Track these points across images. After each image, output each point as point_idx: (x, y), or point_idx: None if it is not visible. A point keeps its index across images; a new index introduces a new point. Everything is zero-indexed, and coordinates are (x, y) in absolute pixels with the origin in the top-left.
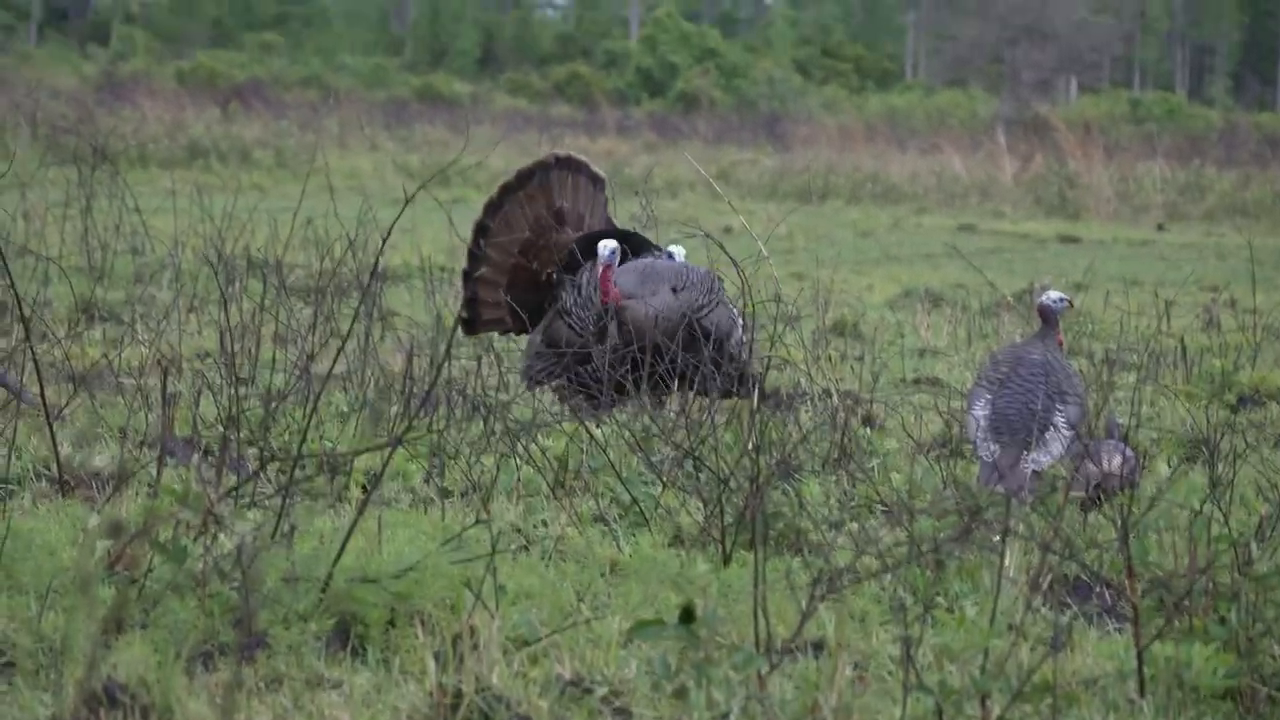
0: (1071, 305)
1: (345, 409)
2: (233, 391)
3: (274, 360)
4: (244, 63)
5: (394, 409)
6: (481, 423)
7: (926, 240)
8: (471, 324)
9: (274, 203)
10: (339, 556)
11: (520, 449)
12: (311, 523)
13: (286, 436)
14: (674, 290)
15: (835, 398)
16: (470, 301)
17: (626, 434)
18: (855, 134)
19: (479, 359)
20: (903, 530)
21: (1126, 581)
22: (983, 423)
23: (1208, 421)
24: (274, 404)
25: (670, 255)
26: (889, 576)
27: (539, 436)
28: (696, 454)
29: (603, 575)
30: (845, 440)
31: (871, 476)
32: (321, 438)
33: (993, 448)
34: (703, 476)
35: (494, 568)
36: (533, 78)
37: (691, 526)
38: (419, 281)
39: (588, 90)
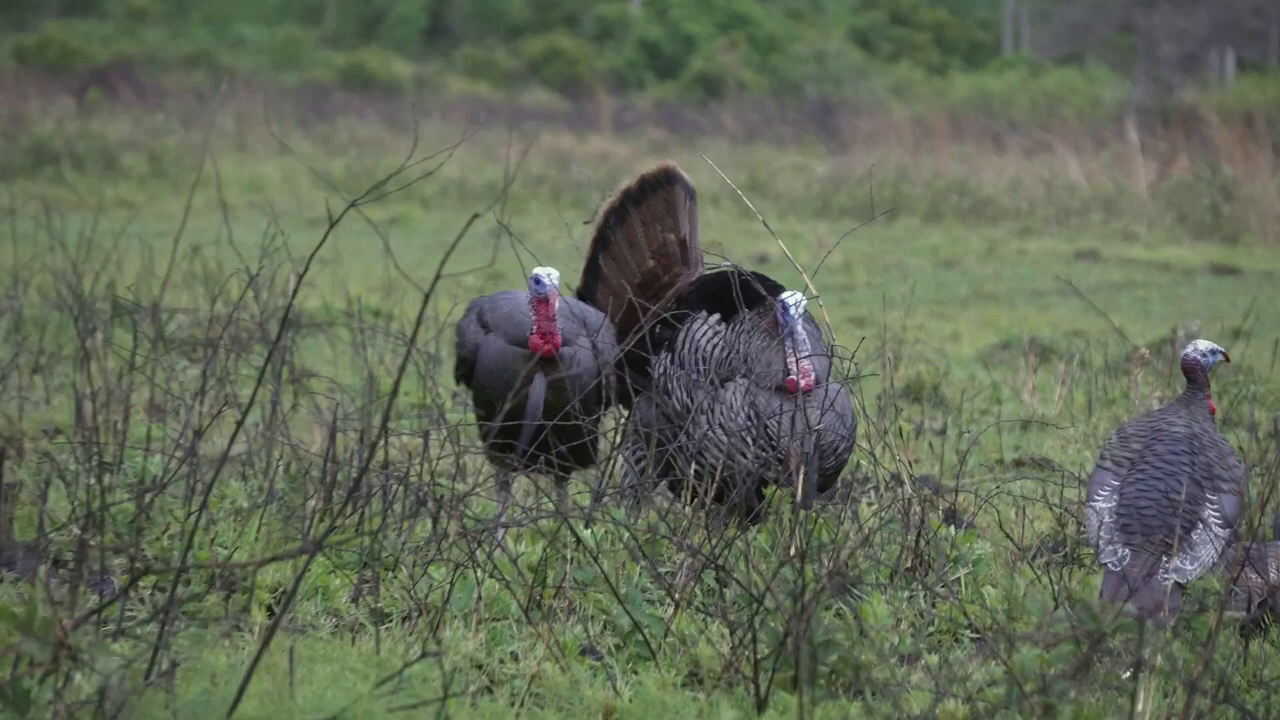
0: (1227, 359)
1: (245, 504)
2: (93, 481)
3: (149, 438)
4: (108, 36)
5: (311, 503)
6: (430, 522)
7: (1033, 272)
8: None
9: (149, 224)
10: (237, 702)
11: (482, 557)
12: (200, 657)
13: (165, 541)
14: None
15: (908, 485)
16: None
17: (625, 536)
18: (936, 128)
19: (425, 434)
20: (999, 664)
21: None
22: (1108, 519)
23: None
24: (149, 497)
25: (785, 308)
26: None
27: (507, 540)
28: (720, 563)
29: None
30: (921, 543)
31: (957, 592)
32: (213, 542)
33: (1121, 552)
34: (729, 593)
35: (447, 717)
36: (499, 54)
37: (713, 660)
38: (344, 331)
39: (573, 71)
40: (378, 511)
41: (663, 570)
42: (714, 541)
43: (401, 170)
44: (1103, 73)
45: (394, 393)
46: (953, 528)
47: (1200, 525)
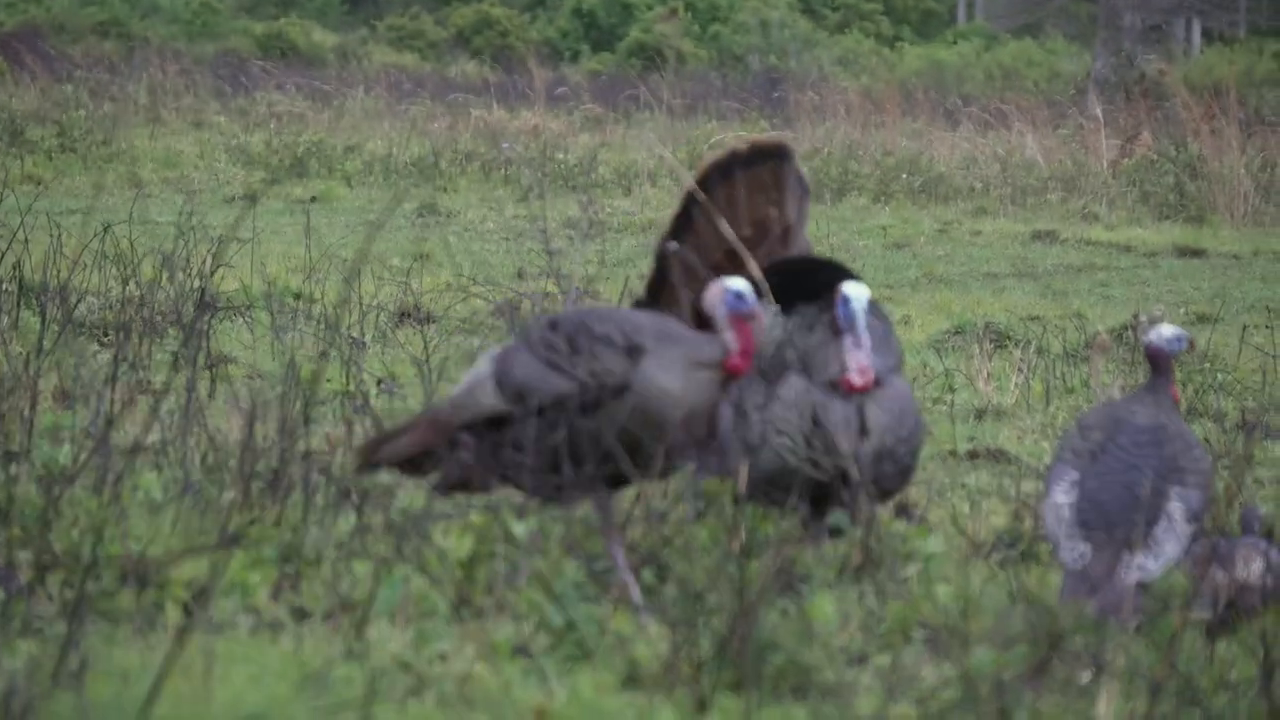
0: (1193, 346)
1: (159, 496)
2: None
3: (56, 427)
4: (12, 3)
5: (228, 495)
6: (354, 514)
7: (987, 254)
8: (654, 295)
9: (57, 202)
10: (150, 704)
11: (409, 552)
12: (111, 657)
13: (75, 535)
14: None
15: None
16: (658, 276)
17: (559, 530)
18: (886, 103)
19: (349, 424)
20: (952, 666)
21: None
22: (1067, 514)
23: None
24: (57, 489)
25: (846, 301)
26: None
27: (436, 534)
28: (660, 559)
29: None
30: (871, 539)
31: (908, 590)
32: (125, 536)
33: (1081, 549)
34: (669, 591)
35: (372, 719)
36: (425, 24)
37: (652, 661)
38: (264, 314)
39: (504, 42)
40: (299, 504)
41: (598, 566)
42: (652, 536)
43: (323, 146)
44: (1061, 44)
45: (316, 380)
46: (904, 523)
47: (1164, 520)
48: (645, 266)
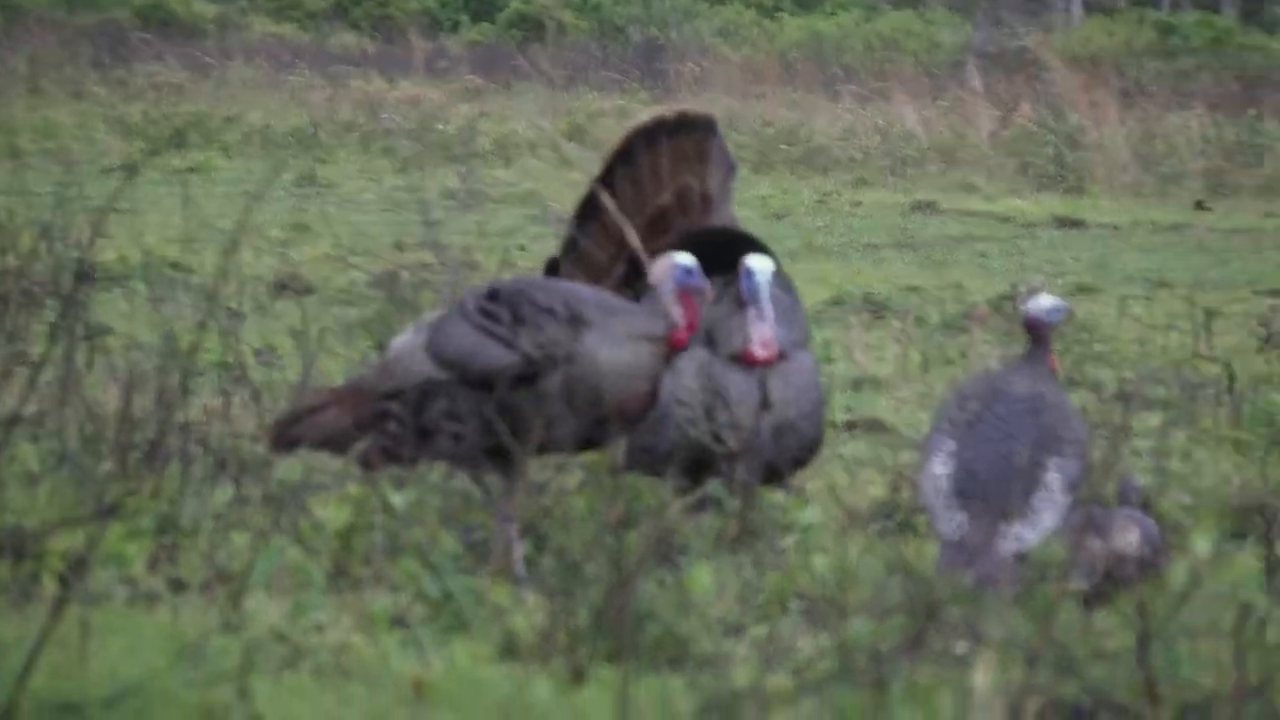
0: (1071, 316)
1: (36, 467)
2: None
3: None
4: None
5: (106, 467)
6: (231, 486)
7: (867, 225)
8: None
9: None
10: (25, 675)
11: (286, 523)
12: None
13: None
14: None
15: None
16: (570, 244)
17: (437, 501)
18: (766, 72)
19: (226, 394)
20: (829, 637)
21: (1148, 708)
22: (944, 484)
23: (1264, 481)
24: None
25: (749, 273)
26: (809, 702)
27: (313, 505)
28: (538, 529)
29: (403, 701)
30: (748, 510)
31: (785, 561)
32: (1, 508)
33: (958, 519)
34: (546, 561)
35: (247, 691)
36: None
37: (529, 632)
38: (142, 285)
39: (383, 12)
40: (176, 475)
41: (475, 537)
42: (530, 507)
43: (202, 116)
44: (941, 15)
45: (194, 351)
46: (781, 493)
47: (1042, 490)
48: (525, 237)
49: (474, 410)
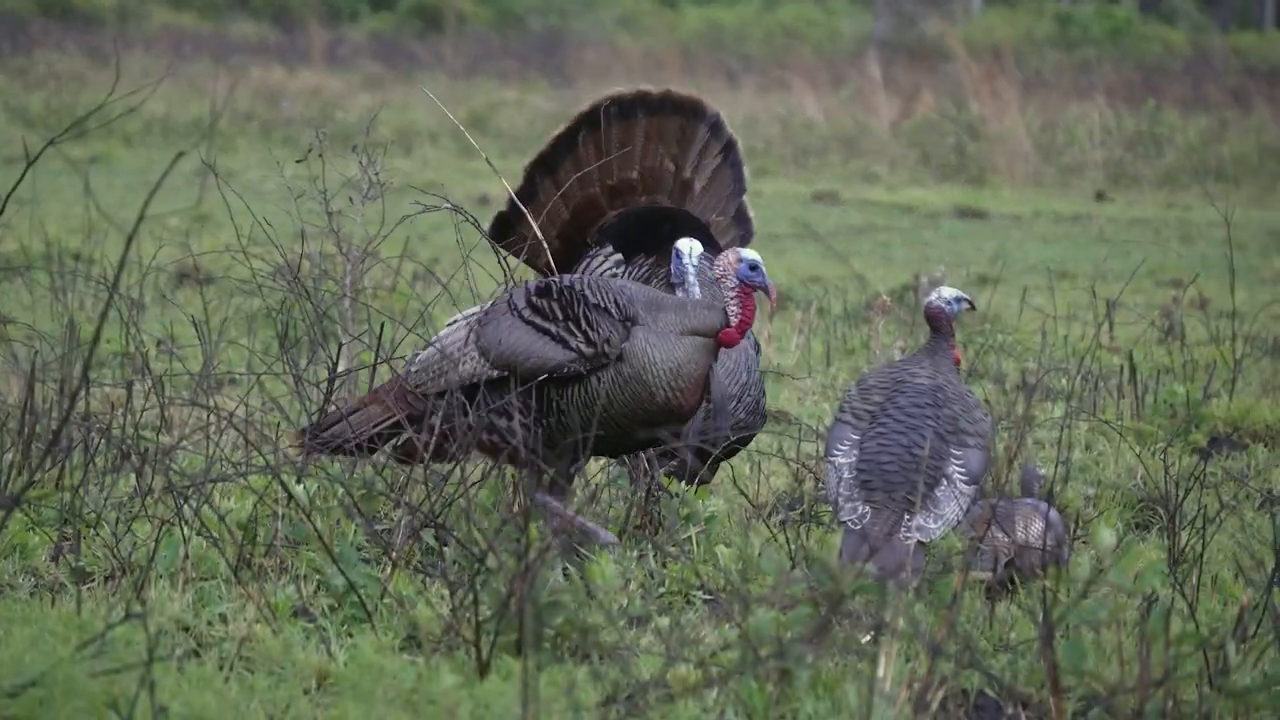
0: (973, 307)
1: None
2: None
3: None
4: None
5: (8, 457)
6: (134, 476)
7: (768, 215)
8: (504, 228)
9: None
10: None
11: (189, 513)
12: None
13: None
14: None
15: None
16: (522, 197)
17: (340, 491)
18: (666, 62)
19: (129, 385)
20: (733, 627)
21: (1051, 699)
22: (847, 475)
23: (1166, 472)
24: None
25: (678, 256)
26: (714, 692)
27: (215, 495)
28: (440, 520)
29: (307, 692)
30: (650, 500)
31: (689, 552)
32: None
33: (862, 510)
34: (449, 552)
35: (151, 681)
36: None
37: (433, 623)
38: (43, 275)
39: (283, 2)
40: (79, 465)
41: (379, 528)
42: (433, 498)
43: (103, 106)
44: (842, 5)
45: (95, 341)
46: (684, 484)
47: (944, 481)
48: (426, 226)
49: (523, 407)
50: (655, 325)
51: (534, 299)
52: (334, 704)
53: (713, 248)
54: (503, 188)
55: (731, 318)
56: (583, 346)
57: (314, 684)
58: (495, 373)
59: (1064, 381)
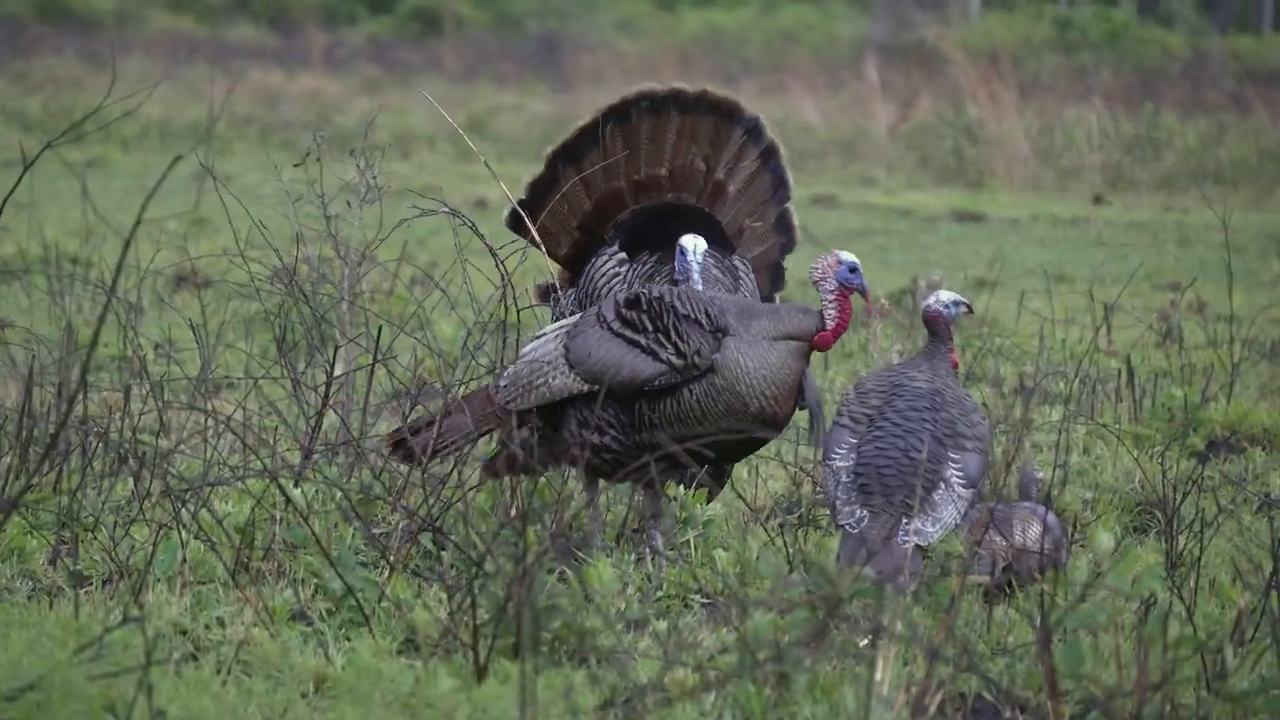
0: (970, 310)
1: None
2: None
3: None
4: None
5: (5, 460)
6: (131, 480)
7: None
8: (525, 215)
9: None
10: None
11: (187, 517)
12: None
13: None
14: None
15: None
16: (541, 185)
17: (337, 495)
18: (664, 66)
19: (127, 388)
20: (731, 631)
21: (1049, 702)
22: (845, 478)
23: (1164, 476)
24: None
25: (683, 252)
26: (712, 696)
27: (213, 499)
28: (438, 524)
29: (304, 696)
30: (650, 504)
31: (686, 555)
32: None
33: (859, 514)
34: (447, 556)
35: (149, 684)
36: None
37: (431, 627)
38: (41, 279)
39: (282, 4)
40: (77, 469)
41: (377, 532)
42: (431, 502)
43: (100, 109)
44: (840, 8)
45: (93, 344)
46: (682, 487)
47: (942, 485)
48: (424, 231)
49: (613, 421)
50: (747, 333)
51: (623, 311)
52: (332, 708)
53: (722, 246)
54: (501, 191)
55: (829, 321)
56: (673, 358)
57: (312, 688)
58: (586, 387)
59: (1062, 385)
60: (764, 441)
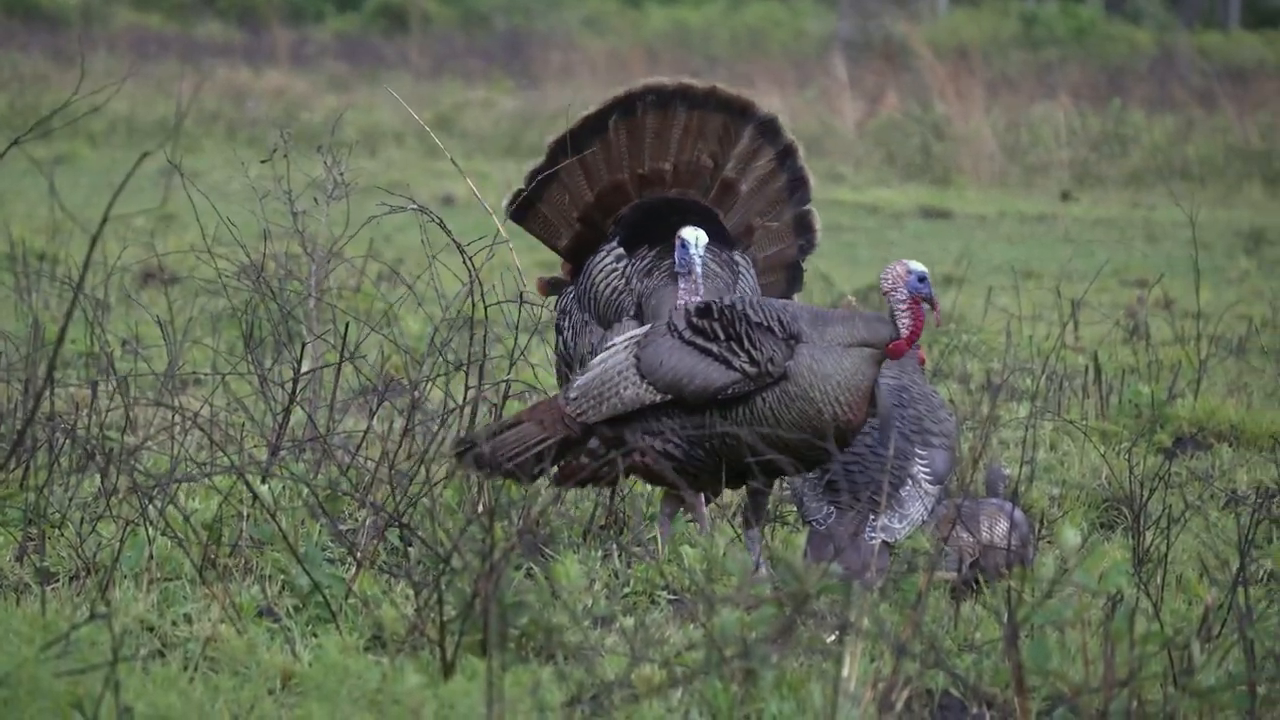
0: (935, 308)
1: None
2: None
3: None
4: None
5: None
6: (98, 476)
7: None
8: (524, 206)
9: None
10: None
11: (154, 514)
12: None
13: None
14: None
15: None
16: (541, 178)
17: (304, 492)
18: (631, 62)
19: (94, 385)
20: (698, 627)
21: (1016, 699)
22: (812, 475)
23: (1131, 472)
24: None
25: (684, 245)
26: (679, 693)
27: (180, 495)
28: (405, 520)
29: (271, 692)
30: (616, 500)
31: (653, 552)
32: None
33: (827, 510)
34: (414, 552)
35: (116, 681)
36: None
37: (398, 623)
38: (7, 275)
39: (248, 3)
40: (44, 466)
41: (344, 528)
42: (398, 498)
43: (67, 105)
44: (807, 5)
45: (60, 340)
46: (648, 484)
47: (909, 482)
48: (390, 227)
49: (683, 430)
50: (821, 339)
51: (694, 320)
52: (299, 704)
53: (721, 241)
54: (468, 188)
55: (902, 329)
56: (746, 366)
57: (279, 684)
58: (659, 397)
59: (1029, 381)
60: (827, 449)
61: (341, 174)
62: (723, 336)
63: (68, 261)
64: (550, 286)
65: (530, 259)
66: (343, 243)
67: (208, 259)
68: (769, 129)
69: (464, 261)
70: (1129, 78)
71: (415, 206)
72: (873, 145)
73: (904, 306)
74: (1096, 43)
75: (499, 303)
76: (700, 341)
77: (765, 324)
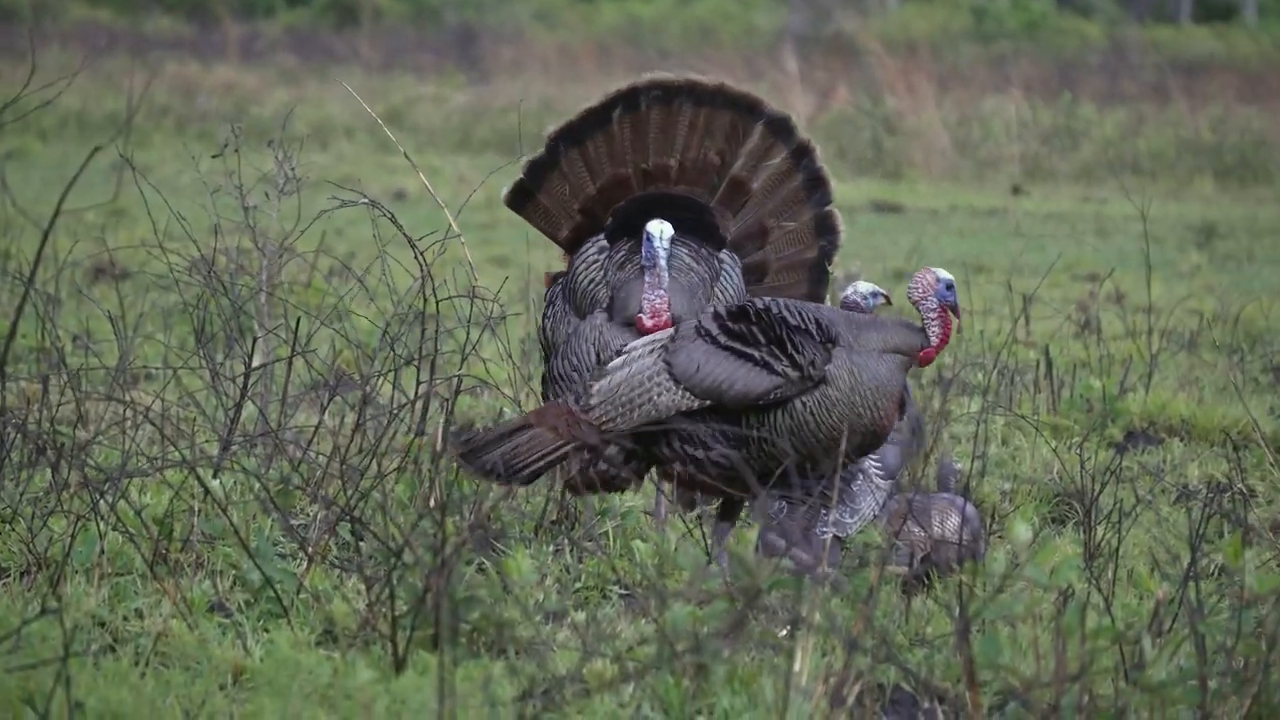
0: (889, 301)
1: None
2: None
3: None
4: None
5: None
6: (49, 471)
7: None
8: (524, 197)
9: None
10: None
11: (105, 508)
12: None
13: None
14: None
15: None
16: (540, 166)
17: (256, 486)
18: (582, 57)
19: (45, 379)
20: (649, 622)
21: (967, 693)
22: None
23: (1082, 466)
24: None
25: (649, 238)
26: (630, 687)
27: (131, 490)
28: (356, 515)
29: (223, 687)
30: (568, 495)
31: (605, 546)
32: None
33: (778, 505)
34: (366, 547)
35: (67, 677)
36: None
37: (349, 618)
38: None
39: None
40: None
41: (296, 523)
42: (350, 493)
43: (18, 100)
44: None
45: (11, 335)
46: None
47: (860, 476)
48: (341, 221)
49: (718, 436)
50: (858, 344)
51: (730, 324)
52: (250, 699)
53: (709, 238)
54: (420, 182)
55: (932, 337)
56: (789, 370)
57: (230, 679)
58: (697, 403)
59: (980, 376)
60: (856, 454)
61: (292, 169)
62: (763, 340)
63: (19, 256)
64: (555, 280)
65: (482, 254)
66: (294, 237)
67: (159, 254)
68: (781, 127)
69: (415, 256)
70: (1080, 71)
71: (366, 201)
72: (824, 139)
73: (934, 315)
74: (1047, 36)
75: (450, 297)
76: (738, 345)
77: (804, 327)
